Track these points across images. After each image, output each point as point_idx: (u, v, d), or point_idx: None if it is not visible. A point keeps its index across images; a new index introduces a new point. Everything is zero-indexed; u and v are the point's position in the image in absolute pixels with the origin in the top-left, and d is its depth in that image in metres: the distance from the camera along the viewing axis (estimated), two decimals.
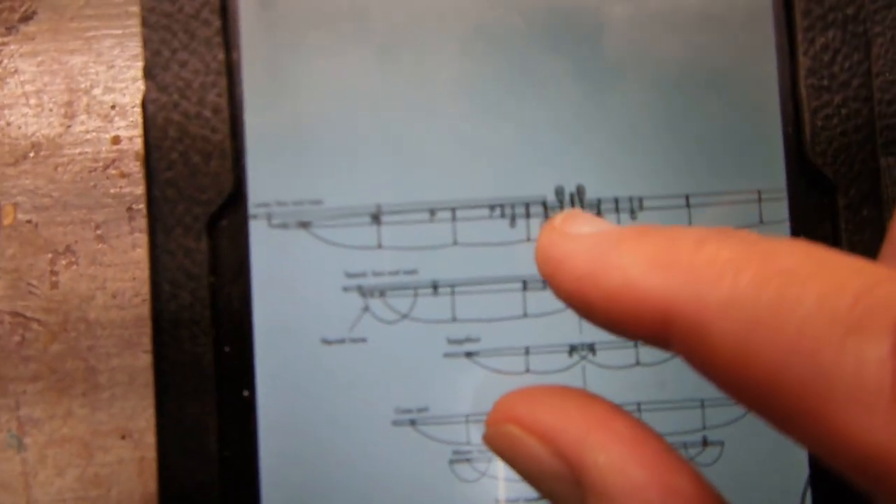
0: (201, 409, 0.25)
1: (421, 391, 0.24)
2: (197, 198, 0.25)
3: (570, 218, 0.15)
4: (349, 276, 0.24)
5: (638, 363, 0.25)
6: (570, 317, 0.23)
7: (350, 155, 0.25)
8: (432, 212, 0.24)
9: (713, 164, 0.26)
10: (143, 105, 0.25)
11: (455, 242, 0.24)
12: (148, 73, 0.25)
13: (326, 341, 0.24)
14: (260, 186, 0.26)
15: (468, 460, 0.24)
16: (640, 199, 0.24)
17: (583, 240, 0.14)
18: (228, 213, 0.26)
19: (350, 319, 0.24)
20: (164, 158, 0.25)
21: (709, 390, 0.21)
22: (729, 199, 0.25)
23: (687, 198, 0.25)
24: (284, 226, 0.25)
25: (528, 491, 0.23)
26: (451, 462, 0.24)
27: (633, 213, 0.24)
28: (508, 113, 0.24)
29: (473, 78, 0.25)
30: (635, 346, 0.24)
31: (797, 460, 0.26)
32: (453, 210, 0.24)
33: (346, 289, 0.24)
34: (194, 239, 0.25)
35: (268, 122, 0.26)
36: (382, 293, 0.24)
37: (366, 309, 0.24)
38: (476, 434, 0.24)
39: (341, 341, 0.24)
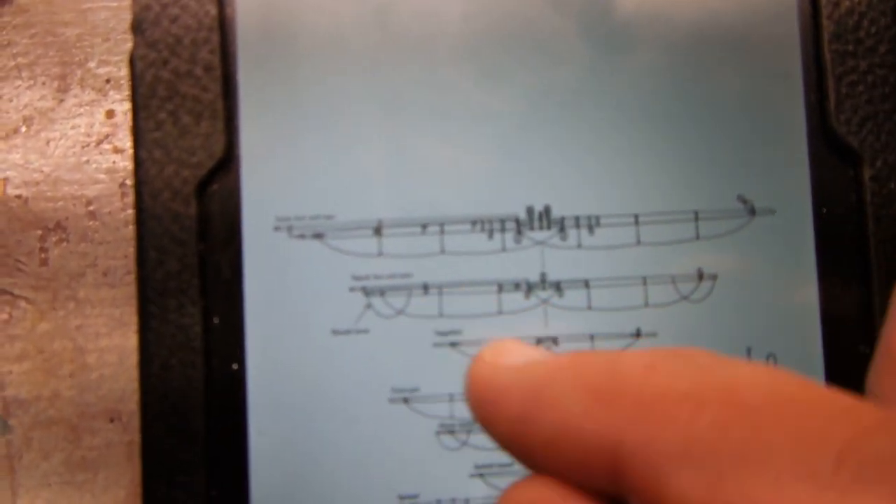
0: (188, 383, 0.24)
1: (413, 374, 0.28)
2: (186, 160, 0.24)
3: (498, 349, 0.13)
4: (355, 278, 0.27)
5: None
6: (537, 314, 0.28)
7: (358, 179, 0.28)
8: (424, 226, 0.28)
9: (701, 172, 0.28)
10: (131, 62, 0.24)
11: (442, 251, 0.28)
12: (136, 28, 0.24)
13: (336, 332, 0.27)
14: (253, 150, 0.25)
15: (451, 432, 0.27)
16: (598, 217, 0.28)
17: (515, 373, 0.12)
18: (219, 177, 0.25)
19: (355, 314, 0.27)
20: (153, 118, 0.24)
21: None
22: (669, 218, 0.28)
23: (636, 216, 0.28)
24: (302, 236, 0.27)
25: (502, 457, 0.27)
26: (437, 433, 0.27)
27: (591, 229, 0.28)
28: (489, 145, 0.28)
29: (459, 113, 0.28)
30: (591, 339, 0.28)
31: None
32: (441, 225, 0.28)
33: (352, 289, 0.27)
34: (183, 203, 0.24)
35: (263, 83, 0.25)
36: (382, 293, 0.27)
37: (368, 306, 0.27)
38: (458, 410, 0.28)
39: (347, 332, 0.27)
